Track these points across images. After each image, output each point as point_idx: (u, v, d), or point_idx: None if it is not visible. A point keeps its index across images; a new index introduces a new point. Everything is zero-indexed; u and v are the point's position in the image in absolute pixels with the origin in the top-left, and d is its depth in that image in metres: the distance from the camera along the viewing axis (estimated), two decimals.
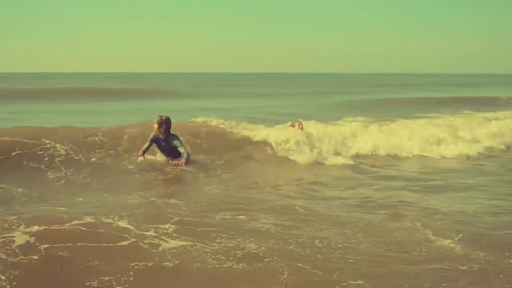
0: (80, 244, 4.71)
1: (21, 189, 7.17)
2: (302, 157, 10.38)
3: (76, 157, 9.14)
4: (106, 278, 4.15)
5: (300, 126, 11.64)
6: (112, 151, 9.77)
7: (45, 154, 8.98)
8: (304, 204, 6.73)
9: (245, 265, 4.50)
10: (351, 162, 10.45)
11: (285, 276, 4.31)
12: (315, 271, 4.45)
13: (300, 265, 4.55)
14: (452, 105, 26.23)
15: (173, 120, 9.66)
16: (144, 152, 9.50)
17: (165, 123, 9.46)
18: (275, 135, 11.21)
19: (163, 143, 9.51)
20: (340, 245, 5.09)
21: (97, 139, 10.06)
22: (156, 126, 9.46)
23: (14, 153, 8.85)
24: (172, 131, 9.59)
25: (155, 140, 9.54)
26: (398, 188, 7.84)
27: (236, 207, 6.35)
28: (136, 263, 4.47)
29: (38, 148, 9.15)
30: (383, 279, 4.35)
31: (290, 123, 12.04)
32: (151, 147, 9.57)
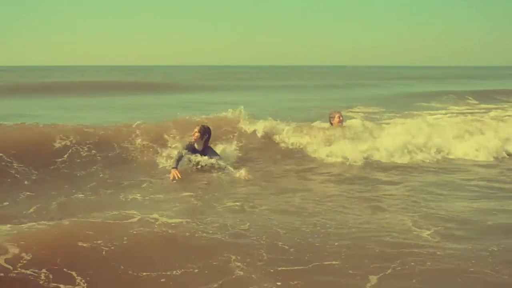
0: None
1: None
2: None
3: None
4: None
5: (340, 118, 10.44)
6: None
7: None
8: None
9: None
10: None
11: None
12: (292, 250, 4.65)
13: (280, 243, 4.76)
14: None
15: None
16: (177, 164, 7.96)
17: (208, 133, 8.43)
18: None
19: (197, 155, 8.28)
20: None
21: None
22: (198, 134, 8.29)
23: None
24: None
25: (190, 150, 8.26)
26: None
27: None
28: None
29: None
30: (357, 260, 4.50)
31: (329, 113, 10.78)
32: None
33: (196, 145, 8.33)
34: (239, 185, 7.33)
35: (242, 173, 7.82)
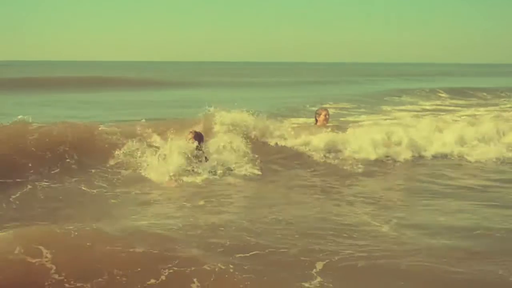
0: None
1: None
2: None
3: None
4: None
5: (326, 116, 9.98)
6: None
7: None
8: None
9: None
10: None
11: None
12: (252, 238, 5.09)
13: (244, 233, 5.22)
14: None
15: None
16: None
17: (201, 138, 8.28)
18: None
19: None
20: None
21: None
22: (193, 140, 8.07)
23: None
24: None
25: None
26: None
27: None
28: None
29: None
30: (310, 247, 4.93)
31: (316, 110, 10.41)
32: None
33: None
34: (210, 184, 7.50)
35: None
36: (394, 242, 5.15)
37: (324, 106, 14.09)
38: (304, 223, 5.69)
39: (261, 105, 17.96)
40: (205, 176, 7.60)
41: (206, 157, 7.94)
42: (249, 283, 4.10)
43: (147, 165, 7.76)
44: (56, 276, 3.79)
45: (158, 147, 8.20)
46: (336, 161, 9.05)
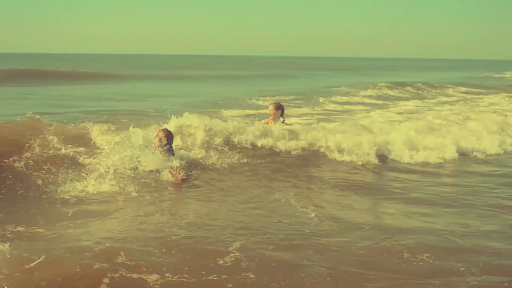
0: None
1: None
2: None
3: None
4: None
5: (280, 110, 9.44)
6: None
7: None
8: None
9: None
10: None
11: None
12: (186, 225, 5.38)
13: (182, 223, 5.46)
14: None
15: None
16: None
17: (172, 136, 7.73)
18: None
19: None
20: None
21: None
22: (166, 140, 7.49)
23: None
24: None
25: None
26: None
27: None
28: None
29: None
30: (231, 228, 5.32)
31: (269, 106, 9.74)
32: None
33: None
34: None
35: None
36: (319, 231, 5.45)
37: (275, 100, 13.62)
38: (236, 211, 6.07)
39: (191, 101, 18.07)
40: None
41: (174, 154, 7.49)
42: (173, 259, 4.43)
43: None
44: None
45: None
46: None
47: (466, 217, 6.13)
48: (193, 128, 8.73)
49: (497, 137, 11.07)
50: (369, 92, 24.76)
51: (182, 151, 7.98)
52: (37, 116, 8.66)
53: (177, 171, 7.06)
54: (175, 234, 5.03)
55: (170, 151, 7.41)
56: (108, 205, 6.15)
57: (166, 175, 7.07)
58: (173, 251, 4.60)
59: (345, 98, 21.83)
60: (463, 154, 10.03)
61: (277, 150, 8.87)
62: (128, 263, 4.23)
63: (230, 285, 4.07)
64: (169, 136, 7.52)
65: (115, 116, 12.07)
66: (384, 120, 14.55)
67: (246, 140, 8.86)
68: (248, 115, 15.16)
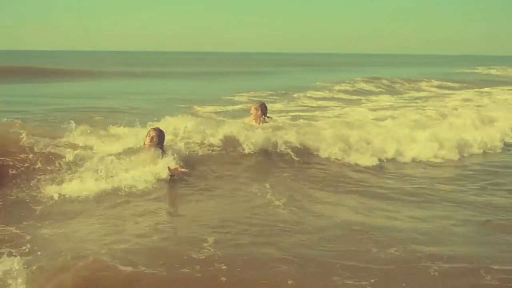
0: None
1: None
2: None
3: None
4: None
5: (261, 110, 9.40)
6: None
7: None
8: None
9: None
10: None
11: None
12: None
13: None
14: None
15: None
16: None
17: (163, 137, 7.57)
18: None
19: None
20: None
21: None
22: (157, 139, 7.37)
23: None
24: None
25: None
26: None
27: None
28: None
29: None
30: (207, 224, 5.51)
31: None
32: None
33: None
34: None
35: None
36: (292, 222, 5.69)
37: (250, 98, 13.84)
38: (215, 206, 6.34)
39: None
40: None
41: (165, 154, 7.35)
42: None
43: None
44: None
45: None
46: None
47: (430, 212, 6.36)
48: (178, 129, 8.50)
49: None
50: (343, 86, 25.12)
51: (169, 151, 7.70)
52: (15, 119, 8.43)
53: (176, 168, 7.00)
54: (152, 231, 5.21)
55: (161, 150, 7.32)
56: (90, 205, 6.22)
57: (163, 172, 6.95)
58: (149, 247, 4.78)
59: (319, 93, 22.12)
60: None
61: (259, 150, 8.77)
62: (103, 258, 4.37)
63: (199, 275, 4.25)
64: (160, 135, 7.42)
65: (87, 114, 12.11)
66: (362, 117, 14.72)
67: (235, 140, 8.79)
68: (220, 112, 15.34)
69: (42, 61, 52.88)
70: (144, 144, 7.39)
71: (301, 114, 15.46)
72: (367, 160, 8.85)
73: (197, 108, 15.76)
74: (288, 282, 4.20)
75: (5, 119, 8.56)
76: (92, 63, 54.49)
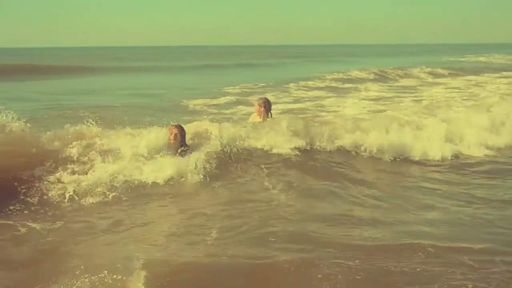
0: None
1: None
2: None
3: None
4: None
5: (264, 106, 9.00)
6: None
7: None
8: None
9: None
10: None
11: None
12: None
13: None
14: None
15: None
16: None
17: (184, 134, 7.56)
18: None
19: None
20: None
21: None
22: (172, 138, 7.33)
23: None
24: None
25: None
26: None
27: None
28: None
29: None
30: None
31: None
32: None
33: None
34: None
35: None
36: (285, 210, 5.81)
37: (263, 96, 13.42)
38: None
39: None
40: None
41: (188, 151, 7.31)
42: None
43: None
44: None
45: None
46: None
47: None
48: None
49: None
50: (335, 75, 25.37)
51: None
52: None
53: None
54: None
55: (184, 146, 7.36)
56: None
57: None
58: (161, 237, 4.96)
59: (310, 83, 22.25)
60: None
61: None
62: None
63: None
64: (182, 131, 7.47)
65: (78, 112, 12.10)
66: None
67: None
68: (211, 105, 15.42)
69: (31, 58, 52.95)
70: (168, 142, 7.33)
71: (293, 106, 15.57)
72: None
73: (187, 101, 15.84)
74: None
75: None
76: (80, 59, 54.44)
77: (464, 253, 4.63)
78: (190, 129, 7.97)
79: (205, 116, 10.79)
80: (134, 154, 6.95)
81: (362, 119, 10.31)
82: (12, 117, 6.90)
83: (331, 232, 5.15)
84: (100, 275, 4.03)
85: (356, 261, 4.40)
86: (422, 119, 10.35)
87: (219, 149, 7.60)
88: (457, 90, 21.03)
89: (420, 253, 4.59)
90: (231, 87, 20.28)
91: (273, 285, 4.14)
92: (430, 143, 9.09)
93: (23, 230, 5.17)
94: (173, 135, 7.30)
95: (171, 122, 7.81)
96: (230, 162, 7.49)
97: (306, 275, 4.22)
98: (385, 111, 12.82)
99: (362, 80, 25.31)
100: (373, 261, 4.44)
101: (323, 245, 4.77)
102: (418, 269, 4.31)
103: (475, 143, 9.44)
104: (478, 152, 9.17)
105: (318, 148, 8.38)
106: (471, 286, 4.05)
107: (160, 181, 6.62)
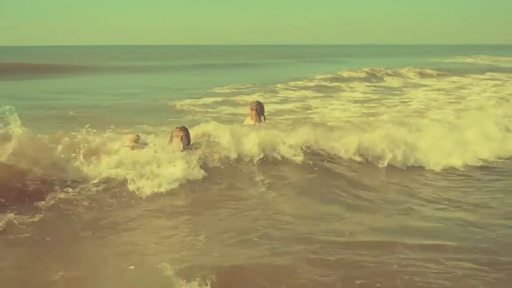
0: None
1: None
2: None
3: None
4: None
5: (255, 109, 8.84)
6: None
7: None
8: None
9: None
10: None
11: None
12: None
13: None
14: None
15: None
16: None
17: (189, 136, 7.49)
18: None
19: None
20: None
21: None
22: (179, 141, 7.21)
23: None
24: None
25: None
26: None
27: None
28: None
29: None
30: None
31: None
32: None
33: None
34: None
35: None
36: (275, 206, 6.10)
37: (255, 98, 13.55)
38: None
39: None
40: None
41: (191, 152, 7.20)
42: None
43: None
44: None
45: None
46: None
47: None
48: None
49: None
50: (323, 75, 25.44)
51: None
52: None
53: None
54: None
55: (189, 147, 7.27)
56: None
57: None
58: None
59: (299, 83, 22.30)
60: None
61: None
62: None
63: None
64: (187, 134, 7.36)
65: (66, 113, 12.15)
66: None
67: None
68: (202, 105, 15.54)
69: (31, 57, 52.76)
70: (174, 145, 7.17)
71: (280, 107, 15.63)
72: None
73: (175, 102, 15.91)
74: None
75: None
76: (79, 58, 54.45)
77: (438, 251, 4.79)
78: (194, 131, 7.78)
79: (189, 116, 10.83)
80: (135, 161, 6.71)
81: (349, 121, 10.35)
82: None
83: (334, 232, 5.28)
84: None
85: (332, 258, 4.55)
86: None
87: (220, 150, 7.57)
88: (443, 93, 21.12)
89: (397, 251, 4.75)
90: (218, 88, 20.33)
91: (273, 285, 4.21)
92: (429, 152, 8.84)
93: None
94: (179, 138, 7.18)
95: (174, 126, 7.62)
96: (230, 162, 7.47)
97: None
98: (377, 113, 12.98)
99: (353, 80, 25.42)
100: (348, 257, 4.61)
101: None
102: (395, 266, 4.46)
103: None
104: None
105: (316, 150, 8.25)
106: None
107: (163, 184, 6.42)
